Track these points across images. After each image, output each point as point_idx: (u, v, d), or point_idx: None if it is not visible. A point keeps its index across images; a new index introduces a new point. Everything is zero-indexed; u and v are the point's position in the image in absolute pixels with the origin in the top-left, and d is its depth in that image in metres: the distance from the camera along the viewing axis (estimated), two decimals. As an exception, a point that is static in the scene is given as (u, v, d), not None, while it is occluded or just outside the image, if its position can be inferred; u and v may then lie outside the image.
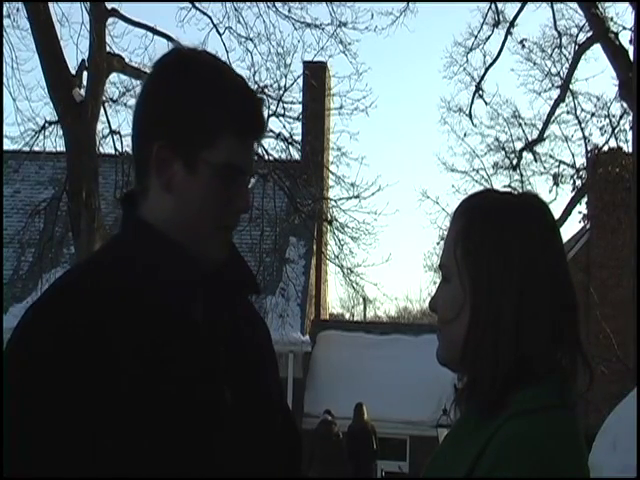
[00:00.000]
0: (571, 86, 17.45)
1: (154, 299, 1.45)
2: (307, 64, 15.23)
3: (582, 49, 16.11)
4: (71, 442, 1.34)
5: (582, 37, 16.32)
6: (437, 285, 1.59)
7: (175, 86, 1.51)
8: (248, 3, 12.85)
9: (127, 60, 12.36)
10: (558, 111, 17.84)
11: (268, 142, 13.31)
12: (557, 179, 18.64)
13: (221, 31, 12.64)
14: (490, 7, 16.25)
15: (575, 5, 15.17)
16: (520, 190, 1.63)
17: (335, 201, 14.77)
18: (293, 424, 1.73)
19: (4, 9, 11.48)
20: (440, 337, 1.58)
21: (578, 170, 18.34)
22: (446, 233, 1.58)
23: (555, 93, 17.91)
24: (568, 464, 1.40)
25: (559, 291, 1.51)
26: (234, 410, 1.47)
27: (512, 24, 16.45)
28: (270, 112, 12.57)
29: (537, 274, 1.49)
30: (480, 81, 17.54)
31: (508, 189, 1.64)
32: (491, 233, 1.51)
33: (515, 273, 1.48)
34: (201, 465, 1.41)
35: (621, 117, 17.08)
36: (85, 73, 11.73)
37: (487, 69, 17.25)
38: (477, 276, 1.50)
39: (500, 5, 16.30)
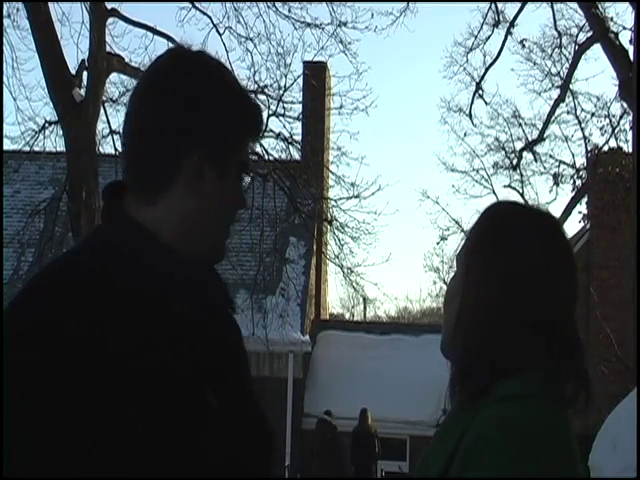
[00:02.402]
0: (571, 86, 17.48)
1: (144, 298, 1.45)
2: (307, 64, 15.24)
3: (582, 49, 16.12)
4: (63, 441, 1.34)
5: (582, 37, 16.36)
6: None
7: (195, 93, 1.50)
8: (248, 3, 12.86)
9: (127, 60, 12.39)
10: (558, 111, 17.89)
11: (268, 142, 13.33)
12: (557, 179, 18.67)
13: (221, 31, 12.67)
14: (490, 7, 16.27)
15: (575, 5, 15.19)
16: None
17: (335, 201, 14.79)
18: (266, 424, 1.72)
19: (4, 9, 11.51)
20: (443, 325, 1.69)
21: (578, 170, 18.37)
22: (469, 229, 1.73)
23: (555, 93, 17.95)
24: (546, 449, 1.43)
25: (549, 295, 1.58)
26: (219, 412, 1.47)
27: (512, 24, 16.47)
28: (270, 112, 12.59)
29: (521, 279, 1.57)
30: (480, 81, 17.56)
31: (529, 203, 1.79)
32: (493, 242, 1.62)
33: (501, 273, 1.58)
34: (185, 465, 1.40)
35: (621, 117, 17.12)
36: (85, 73, 11.74)
37: (487, 69, 17.28)
38: (470, 268, 1.61)
39: (500, 5, 16.34)
